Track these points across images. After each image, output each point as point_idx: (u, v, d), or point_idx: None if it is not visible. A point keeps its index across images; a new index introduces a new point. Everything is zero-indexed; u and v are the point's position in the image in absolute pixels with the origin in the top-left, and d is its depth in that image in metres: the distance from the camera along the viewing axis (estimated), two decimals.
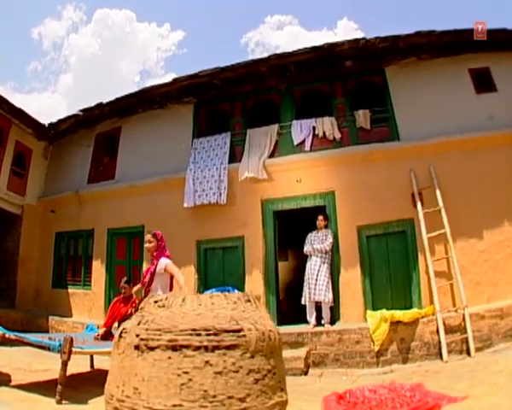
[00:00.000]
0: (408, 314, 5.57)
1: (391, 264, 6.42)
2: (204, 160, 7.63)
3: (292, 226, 7.89)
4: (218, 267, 7.28)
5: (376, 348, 5.49)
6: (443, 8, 26.13)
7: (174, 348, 1.63)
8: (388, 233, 6.50)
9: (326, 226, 6.53)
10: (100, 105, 8.15)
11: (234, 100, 7.97)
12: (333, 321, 6.17)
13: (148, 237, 4.38)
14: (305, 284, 6.33)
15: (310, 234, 6.54)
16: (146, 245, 4.33)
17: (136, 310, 4.95)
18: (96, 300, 7.87)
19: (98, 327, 6.03)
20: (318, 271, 6.23)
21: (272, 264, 6.91)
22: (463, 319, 5.49)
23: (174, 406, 1.55)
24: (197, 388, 1.60)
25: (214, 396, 1.60)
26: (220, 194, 7.19)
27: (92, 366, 5.17)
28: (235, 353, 1.69)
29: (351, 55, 6.96)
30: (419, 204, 6.20)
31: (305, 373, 5.30)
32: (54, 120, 8.43)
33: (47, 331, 7.37)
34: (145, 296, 4.03)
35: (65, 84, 39.95)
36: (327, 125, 7.08)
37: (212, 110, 8.24)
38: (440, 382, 4.31)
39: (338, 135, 7.00)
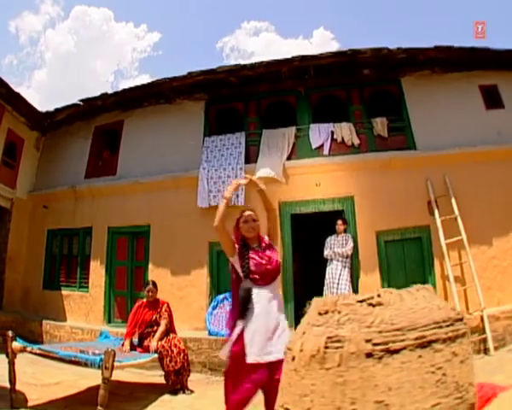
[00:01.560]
0: None
1: (407, 269, 6.61)
2: (218, 159, 7.42)
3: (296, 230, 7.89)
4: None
5: None
6: (418, 18, 27.66)
7: (422, 346, 1.52)
8: (405, 239, 6.70)
9: (345, 231, 6.60)
10: (104, 96, 7.68)
11: (248, 99, 7.85)
12: None
13: (251, 214, 2.94)
14: (325, 287, 6.34)
15: (329, 238, 6.56)
16: (250, 224, 2.88)
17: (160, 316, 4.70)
18: (94, 303, 7.34)
19: (114, 335, 5.63)
20: (340, 275, 6.27)
21: (290, 268, 6.83)
22: (481, 320, 5.76)
23: (433, 406, 1.44)
24: (450, 381, 1.50)
25: (462, 385, 1.53)
26: (237, 195, 7.01)
27: None
28: (465, 340, 1.64)
29: (370, 63, 7.13)
30: (436, 212, 6.47)
31: None
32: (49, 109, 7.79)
33: (41, 337, 6.77)
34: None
35: (39, 80, 37.68)
36: (345, 131, 7.19)
37: (225, 108, 8.04)
38: (477, 376, 4.51)
39: (356, 141, 7.12)
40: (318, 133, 7.31)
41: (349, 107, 7.52)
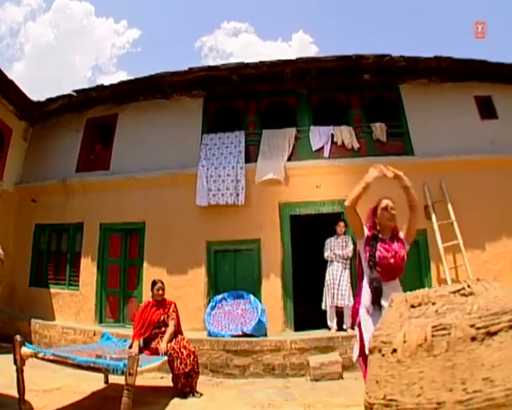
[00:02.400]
0: None
1: (404, 271, 6.74)
2: (217, 157, 7.31)
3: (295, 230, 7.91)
4: (229, 271, 6.98)
5: None
6: (398, 23, 28.39)
7: None
8: None
9: (344, 233, 6.66)
10: (99, 87, 7.42)
11: (248, 98, 7.78)
12: (354, 326, 6.28)
13: (391, 203, 2.97)
14: (325, 289, 6.37)
15: (328, 239, 6.59)
16: (390, 212, 2.90)
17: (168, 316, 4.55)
18: (85, 302, 7.06)
19: (113, 336, 5.42)
20: (340, 276, 6.32)
21: (289, 269, 6.83)
22: None
23: None
24: None
25: None
26: (238, 194, 6.95)
27: (107, 380, 4.56)
28: None
29: (371, 68, 7.24)
30: (434, 216, 6.65)
31: (341, 377, 5.31)
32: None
33: (29, 337, 6.43)
34: None
35: (17, 73, 36.05)
36: (345, 134, 7.26)
37: (223, 106, 7.94)
38: None
39: (356, 145, 7.21)
40: (319, 136, 7.35)
41: (349, 111, 7.61)
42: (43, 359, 3.29)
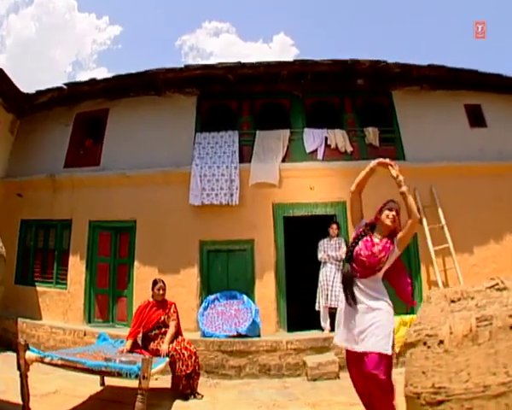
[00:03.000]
0: None
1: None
2: (211, 156, 7.26)
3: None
4: (221, 271, 6.93)
5: (397, 350, 5.80)
6: (378, 27, 28.89)
7: None
8: None
9: (337, 235, 6.72)
10: (92, 81, 7.26)
11: (242, 98, 7.77)
12: None
13: (396, 206, 2.90)
14: (319, 290, 6.41)
15: (322, 241, 6.63)
16: (393, 213, 2.82)
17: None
18: (73, 301, 6.87)
19: (110, 337, 5.29)
20: (334, 277, 6.37)
21: (283, 270, 6.84)
22: None
23: None
24: None
25: None
26: (232, 194, 6.92)
27: (103, 383, 4.47)
28: None
29: (365, 73, 7.34)
30: (425, 220, 6.79)
31: (338, 377, 5.34)
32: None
33: (15, 337, 6.20)
34: None
35: None
36: (339, 138, 7.33)
37: (217, 105, 7.89)
38: None
39: (350, 148, 7.29)
40: (312, 138, 7.40)
41: (342, 114, 7.69)
42: (49, 364, 3.17)
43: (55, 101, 7.65)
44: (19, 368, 3.12)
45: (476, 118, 7.43)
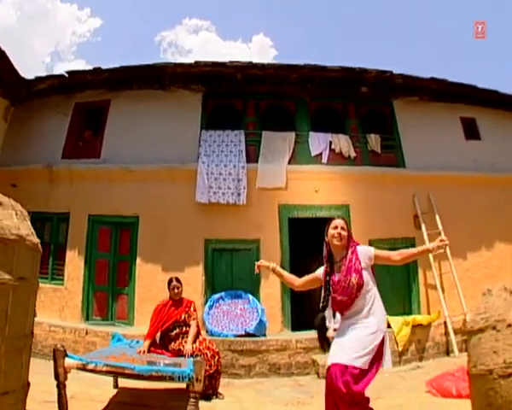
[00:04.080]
0: (427, 318, 6.37)
1: (393, 276, 7.07)
2: (217, 155, 7.22)
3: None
4: (225, 270, 6.91)
5: (400, 349, 6.03)
6: (356, 32, 29.57)
7: None
8: (393, 249, 7.13)
9: None
10: (96, 70, 7.00)
11: (247, 98, 7.77)
12: None
13: (341, 222, 2.78)
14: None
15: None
16: (339, 231, 2.72)
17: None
18: (71, 298, 6.61)
19: (124, 337, 5.12)
20: None
21: (288, 270, 6.86)
22: (463, 323, 6.44)
23: None
24: None
25: None
26: (239, 194, 6.91)
27: (117, 385, 4.29)
28: None
29: (370, 82, 7.55)
30: (423, 225, 7.07)
31: None
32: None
33: None
34: None
35: None
36: (343, 143, 7.50)
37: (222, 104, 7.84)
38: None
39: (353, 154, 7.47)
40: (318, 142, 7.52)
41: (346, 120, 7.87)
42: (92, 371, 2.95)
43: (54, 89, 7.32)
44: (56, 377, 2.89)
45: (471, 131, 7.83)
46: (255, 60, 7.37)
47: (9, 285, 2.05)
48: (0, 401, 1.89)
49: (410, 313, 6.87)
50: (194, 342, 4.26)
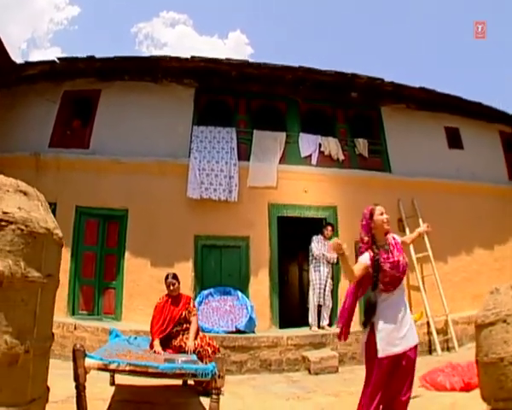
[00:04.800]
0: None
1: None
2: (209, 151, 7.22)
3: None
4: (214, 266, 6.93)
5: None
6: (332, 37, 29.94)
7: None
8: None
9: (330, 237, 7.00)
10: (91, 58, 6.84)
11: (239, 96, 7.80)
12: (330, 324, 6.65)
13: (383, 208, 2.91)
14: (312, 289, 6.63)
15: (315, 237, 6.79)
16: (386, 218, 2.87)
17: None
18: (57, 291, 6.44)
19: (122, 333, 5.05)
20: (326, 279, 6.66)
21: (276, 267, 7.00)
22: (445, 323, 6.74)
23: None
24: None
25: None
26: (230, 191, 6.94)
27: (113, 382, 4.20)
28: None
29: (360, 88, 7.74)
30: (407, 229, 7.32)
31: (337, 370, 5.59)
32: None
33: None
34: None
35: None
36: (332, 146, 7.65)
37: (214, 100, 7.85)
38: None
39: (342, 157, 7.64)
40: (307, 143, 7.65)
41: (335, 123, 8.03)
42: (115, 370, 2.87)
43: (43, 75, 7.10)
44: (76, 379, 2.74)
45: (455, 140, 8.17)
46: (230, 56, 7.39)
47: (38, 283, 1.92)
48: (27, 409, 1.78)
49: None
50: (195, 338, 4.27)
